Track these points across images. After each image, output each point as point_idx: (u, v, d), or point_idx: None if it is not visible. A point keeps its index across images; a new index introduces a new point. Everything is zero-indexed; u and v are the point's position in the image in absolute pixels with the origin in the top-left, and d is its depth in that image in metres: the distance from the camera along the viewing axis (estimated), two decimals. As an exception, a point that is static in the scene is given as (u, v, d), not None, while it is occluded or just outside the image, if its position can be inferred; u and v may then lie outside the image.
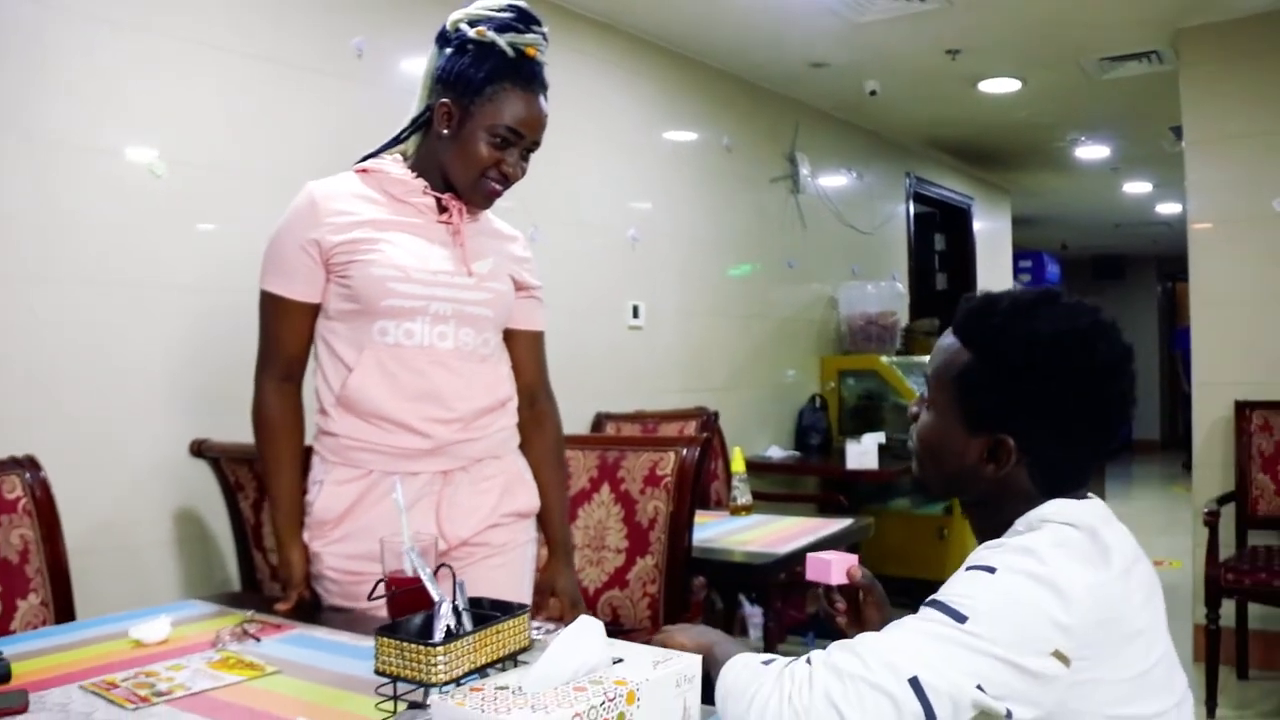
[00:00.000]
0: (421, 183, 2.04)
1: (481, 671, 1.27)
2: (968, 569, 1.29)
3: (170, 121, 3.06)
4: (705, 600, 3.33)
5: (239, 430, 3.04)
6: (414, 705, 1.07)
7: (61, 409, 2.80)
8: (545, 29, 2.03)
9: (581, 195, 4.56)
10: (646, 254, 4.98)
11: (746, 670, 1.31)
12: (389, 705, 1.25)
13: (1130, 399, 1.40)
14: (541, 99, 2.02)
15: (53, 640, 1.87)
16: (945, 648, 1.22)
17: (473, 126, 1.98)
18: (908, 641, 1.24)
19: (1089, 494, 1.41)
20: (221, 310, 3.15)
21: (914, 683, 1.20)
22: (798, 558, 3.01)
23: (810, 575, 1.59)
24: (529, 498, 2.17)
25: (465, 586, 1.36)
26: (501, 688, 1.19)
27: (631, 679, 1.20)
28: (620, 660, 1.27)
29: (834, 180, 6.72)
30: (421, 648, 1.21)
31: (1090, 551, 1.28)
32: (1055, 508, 1.34)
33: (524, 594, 2.12)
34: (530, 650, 1.35)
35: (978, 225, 9.03)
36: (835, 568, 1.57)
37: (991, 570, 1.26)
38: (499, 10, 2.00)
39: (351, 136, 3.49)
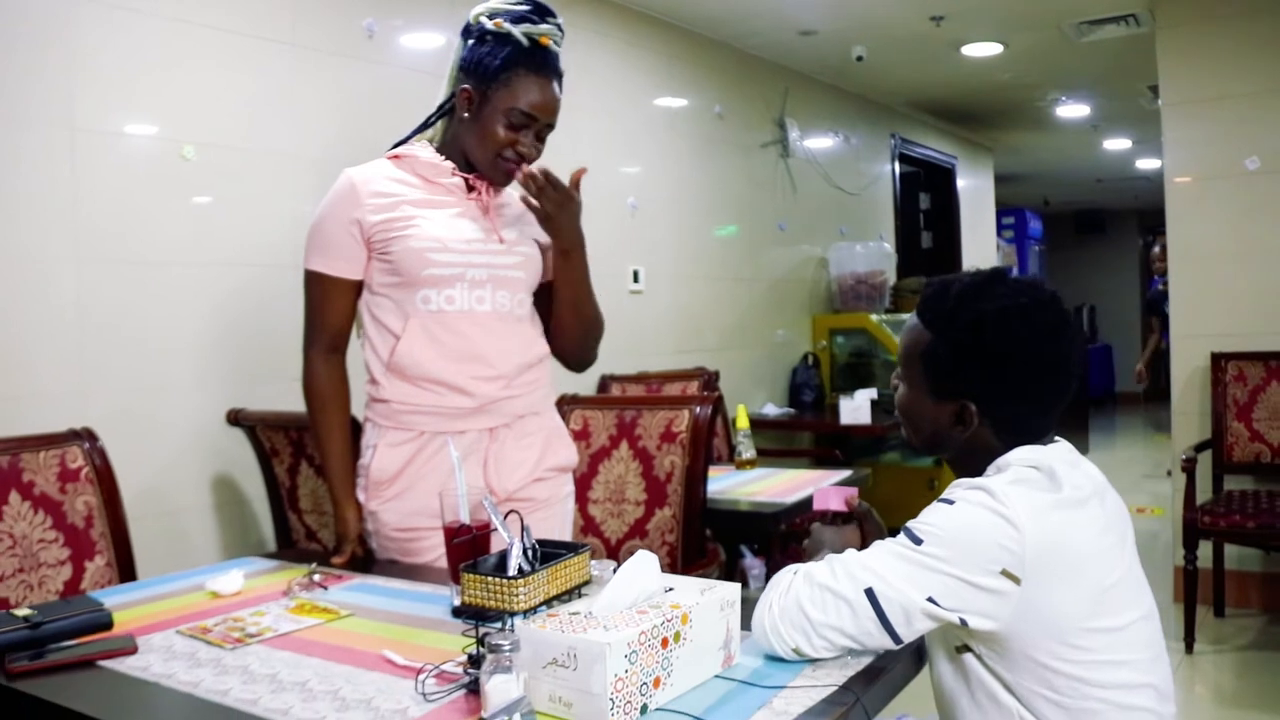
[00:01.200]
0: (450, 165, 2.20)
1: (549, 604, 1.45)
2: (936, 501, 1.52)
3: (197, 106, 3.21)
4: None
5: (272, 399, 3.24)
6: (495, 638, 1.25)
7: (108, 383, 2.97)
8: (560, 20, 2.19)
9: (580, 165, 4.70)
10: (644, 221, 5.15)
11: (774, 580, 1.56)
12: (473, 634, 1.43)
13: (1072, 360, 1.61)
14: (555, 84, 2.17)
15: (136, 595, 2.04)
16: (901, 565, 1.45)
17: (490, 110, 2.13)
18: (873, 559, 1.48)
19: (1056, 439, 1.62)
20: (252, 285, 3.32)
21: (869, 593, 1.44)
22: (804, 505, 3.21)
23: (817, 505, 1.85)
24: (568, 453, 2.34)
25: (530, 531, 1.54)
26: (574, 613, 1.38)
27: (684, 603, 1.40)
28: (672, 589, 1.47)
29: (822, 143, 6.89)
30: (504, 580, 1.39)
31: (1045, 486, 1.50)
32: (1020, 454, 1.55)
33: None
34: (590, 584, 1.53)
35: (961, 184, 9.20)
36: (835, 497, 1.83)
37: (951, 502, 1.50)
38: (516, 3, 2.15)
39: (365, 114, 3.69)
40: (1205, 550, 4.37)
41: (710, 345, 5.65)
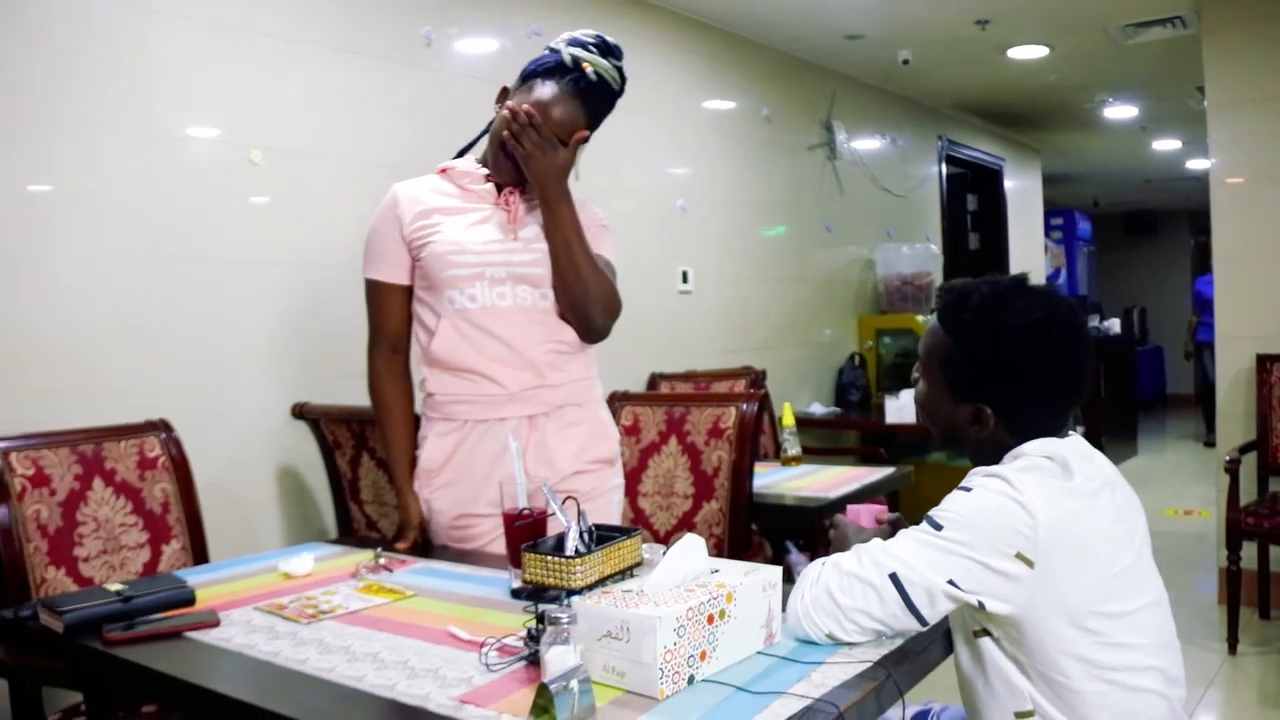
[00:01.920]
0: (483, 172, 2.32)
1: (603, 582, 1.56)
2: (956, 490, 1.61)
3: (262, 112, 3.36)
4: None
5: (335, 393, 3.38)
6: (554, 613, 1.35)
7: (180, 378, 3.12)
8: (622, 64, 2.29)
9: (632, 168, 4.82)
10: (693, 222, 5.26)
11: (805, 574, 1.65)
12: (533, 609, 1.54)
13: (1088, 368, 1.70)
14: (577, 104, 2.23)
15: (213, 575, 2.17)
16: (923, 550, 1.54)
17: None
18: (896, 545, 1.57)
19: (1070, 432, 1.71)
20: (315, 284, 3.46)
21: (893, 577, 1.53)
22: (848, 499, 3.30)
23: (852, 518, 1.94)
24: (610, 445, 2.44)
25: (586, 515, 1.65)
26: (627, 590, 1.48)
27: (729, 583, 1.50)
28: (717, 571, 1.57)
29: (869, 145, 6.95)
30: (563, 559, 1.50)
31: (1057, 475, 1.58)
32: (1035, 445, 1.64)
33: None
34: (641, 566, 1.63)
35: (1009, 184, 9.21)
36: (865, 515, 1.93)
37: (969, 490, 1.59)
38: (586, 34, 2.27)
39: (423, 119, 3.82)
40: (1250, 552, 4.38)
41: (758, 345, 5.74)
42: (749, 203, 5.75)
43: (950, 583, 1.52)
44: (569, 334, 2.36)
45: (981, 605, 1.53)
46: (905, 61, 6.20)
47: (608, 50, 2.27)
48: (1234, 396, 4.86)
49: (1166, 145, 9.64)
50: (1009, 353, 1.65)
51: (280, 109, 3.41)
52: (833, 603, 1.55)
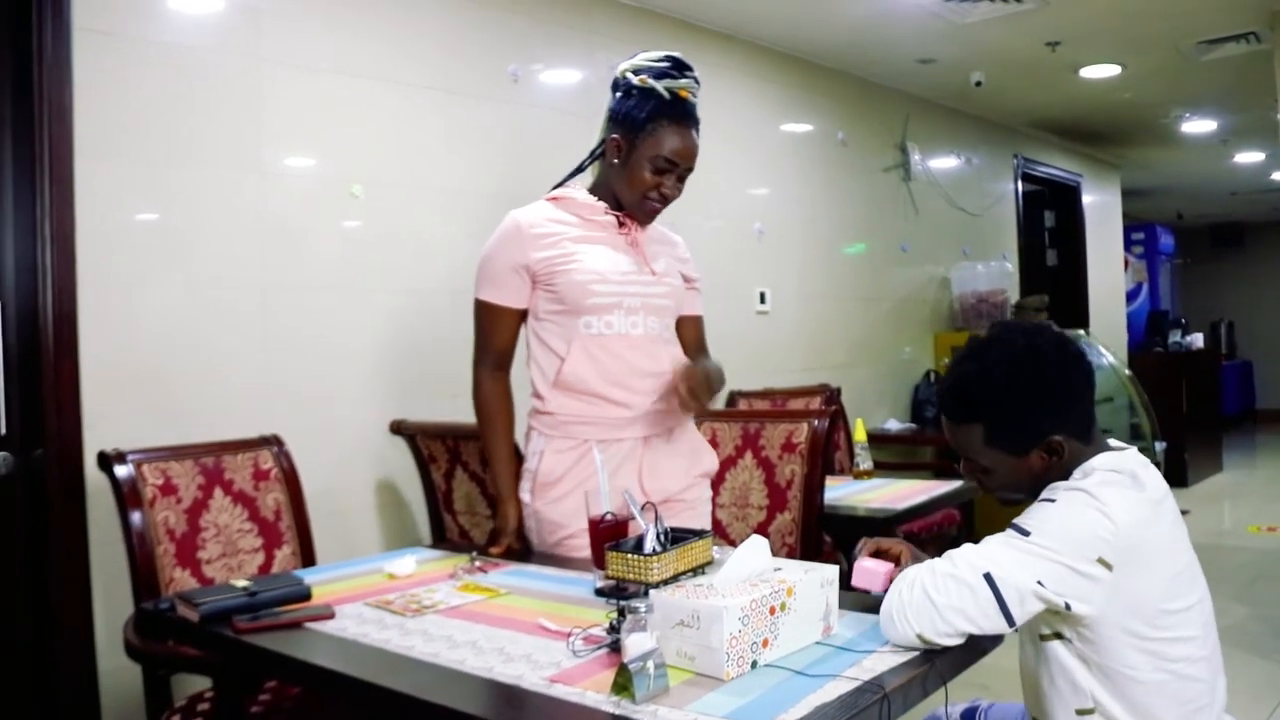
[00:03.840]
0: (603, 205, 2.50)
1: (677, 578, 1.74)
2: (1038, 501, 1.76)
3: (363, 149, 3.62)
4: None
5: (431, 410, 3.61)
6: (634, 603, 1.54)
7: (289, 395, 3.37)
8: (696, 73, 2.46)
9: (713, 193, 5.00)
10: (770, 244, 5.43)
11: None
12: (615, 605, 1.72)
13: (1083, 373, 1.84)
14: (693, 132, 2.45)
15: (325, 575, 2.38)
16: (1013, 554, 1.68)
17: (637, 157, 2.42)
18: (987, 550, 1.70)
19: (1126, 446, 1.86)
20: (412, 308, 3.70)
21: (987, 577, 1.66)
22: (916, 511, 3.45)
23: (856, 582, 1.88)
24: (711, 460, 2.65)
25: (663, 519, 1.83)
26: (699, 585, 1.66)
27: (790, 579, 1.67)
28: (780, 569, 1.74)
29: (943, 165, 7.06)
30: (642, 557, 1.69)
31: (1130, 486, 1.74)
32: (1102, 460, 1.79)
33: None
34: (711, 565, 1.81)
35: (1087, 200, 9.22)
36: (876, 577, 1.84)
37: (1053, 501, 1.73)
38: (658, 61, 2.43)
39: (512, 151, 4.06)
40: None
41: (835, 363, 5.88)
42: (825, 224, 5.90)
43: (1039, 584, 1.65)
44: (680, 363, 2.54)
45: (1068, 606, 1.66)
46: (978, 83, 6.31)
47: (684, 67, 2.43)
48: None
49: (1249, 158, 9.56)
50: (1018, 398, 1.79)
51: (379, 145, 3.66)
52: (929, 602, 1.65)
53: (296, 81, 3.43)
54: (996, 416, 1.82)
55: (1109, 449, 1.84)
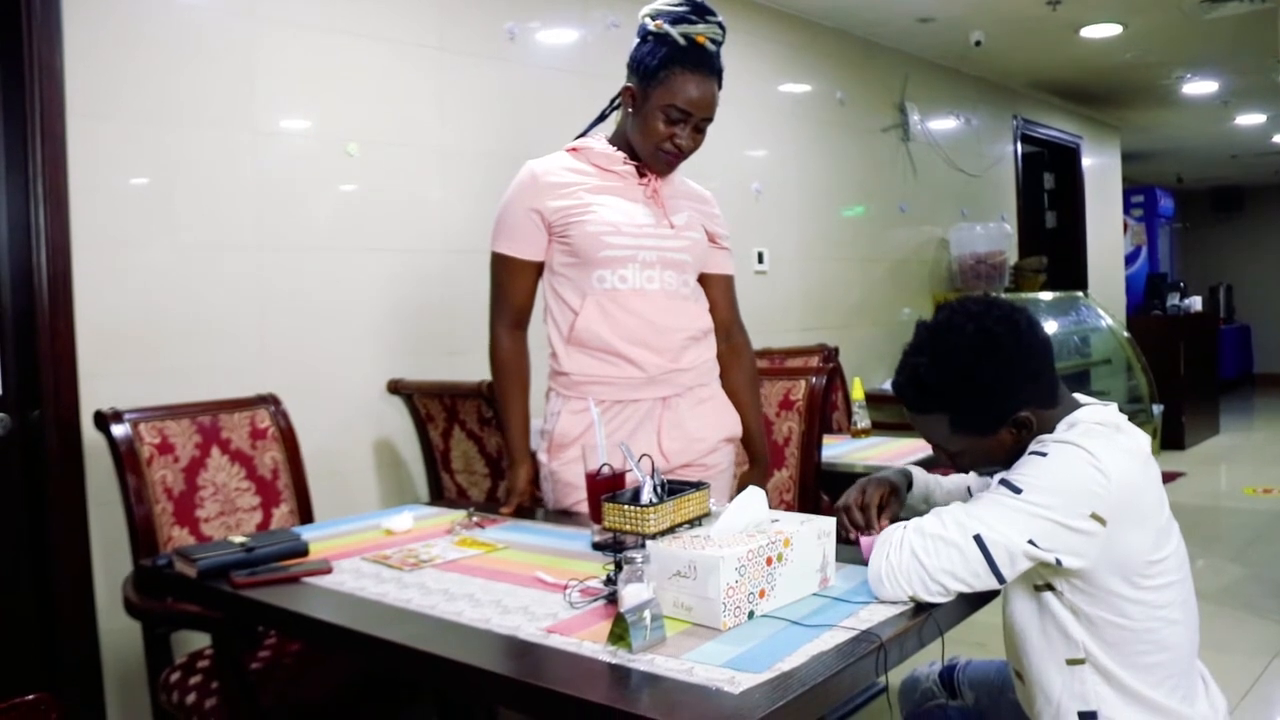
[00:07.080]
0: (622, 154, 2.42)
1: (674, 529, 1.73)
2: (1028, 454, 1.74)
3: (358, 108, 3.59)
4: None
5: (428, 369, 3.60)
6: (630, 554, 1.53)
7: (286, 355, 3.36)
8: (719, 18, 2.38)
9: (710, 152, 4.94)
10: (769, 204, 5.41)
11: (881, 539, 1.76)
12: (612, 559, 1.72)
13: (1039, 344, 1.82)
14: (711, 81, 2.36)
15: (322, 531, 2.39)
16: (1004, 512, 1.66)
17: (650, 106, 2.33)
18: (977, 508, 1.68)
19: (1092, 400, 1.86)
20: (409, 267, 3.69)
21: (977, 539, 1.64)
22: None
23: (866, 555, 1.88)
24: (735, 424, 2.56)
25: (659, 471, 1.83)
26: (695, 536, 1.66)
27: (786, 530, 1.67)
28: (777, 520, 1.74)
29: (943, 126, 7.03)
30: (639, 508, 1.69)
31: (1118, 437, 1.73)
32: (1086, 413, 1.79)
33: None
34: (709, 517, 1.81)
35: (1087, 162, 9.20)
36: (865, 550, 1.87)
37: (1044, 454, 1.71)
38: (676, 5, 2.34)
39: (509, 111, 4.03)
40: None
41: (833, 323, 5.88)
42: (824, 185, 5.88)
43: (1030, 542, 1.63)
44: (703, 322, 2.49)
45: (1059, 562, 1.65)
46: (978, 43, 6.27)
47: (704, 10, 2.33)
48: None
49: (1251, 120, 9.53)
50: (979, 376, 1.76)
51: (374, 104, 3.64)
52: (918, 564, 1.63)
53: (291, 40, 3.41)
54: (959, 406, 1.80)
55: (1079, 405, 1.83)
